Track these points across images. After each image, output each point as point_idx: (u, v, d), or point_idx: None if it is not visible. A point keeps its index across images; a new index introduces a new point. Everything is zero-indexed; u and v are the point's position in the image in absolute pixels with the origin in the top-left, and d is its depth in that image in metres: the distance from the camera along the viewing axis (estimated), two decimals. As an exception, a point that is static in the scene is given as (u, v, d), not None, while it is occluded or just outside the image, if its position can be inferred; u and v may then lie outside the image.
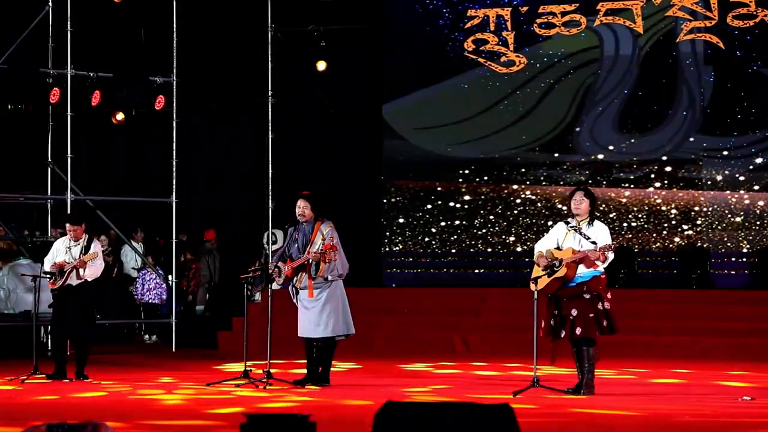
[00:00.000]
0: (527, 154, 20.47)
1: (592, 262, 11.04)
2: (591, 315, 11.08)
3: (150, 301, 19.28)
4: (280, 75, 19.22)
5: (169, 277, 18.76)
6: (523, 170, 20.49)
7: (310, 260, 11.96)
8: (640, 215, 19.81)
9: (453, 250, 20.79)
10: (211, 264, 20.53)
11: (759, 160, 19.32)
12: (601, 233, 11.15)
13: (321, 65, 19.78)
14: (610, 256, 11.05)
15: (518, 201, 20.48)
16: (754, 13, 19.21)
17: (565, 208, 11.73)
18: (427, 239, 20.91)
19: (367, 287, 18.41)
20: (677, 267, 19.18)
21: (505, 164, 20.58)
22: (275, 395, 11.42)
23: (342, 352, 13.02)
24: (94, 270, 12.87)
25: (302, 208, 12.16)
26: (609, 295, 11.21)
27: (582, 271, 11.10)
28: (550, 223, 19.12)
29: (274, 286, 12.36)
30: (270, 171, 18.88)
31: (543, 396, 11.04)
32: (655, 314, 16.85)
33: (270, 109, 19.01)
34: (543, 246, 11.34)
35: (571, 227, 11.25)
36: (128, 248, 19.64)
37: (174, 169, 18.43)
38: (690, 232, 19.56)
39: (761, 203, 19.27)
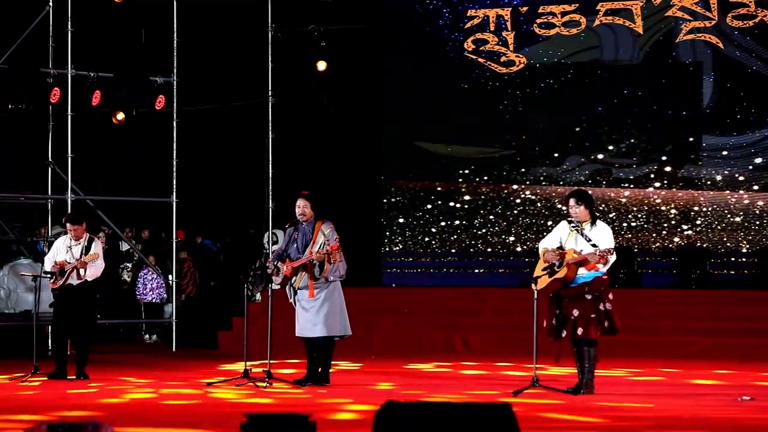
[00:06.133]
0: (527, 154, 20.47)
1: (593, 265, 11.04)
2: (592, 315, 11.09)
3: (152, 300, 19.30)
4: (280, 75, 19.23)
5: (170, 276, 18.77)
6: (523, 170, 20.49)
7: (314, 261, 11.95)
8: (639, 215, 19.81)
9: (453, 250, 20.80)
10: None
11: (758, 160, 19.33)
12: (602, 235, 11.13)
13: (321, 65, 19.78)
14: (611, 258, 11.04)
15: (518, 201, 20.49)
16: (754, 13, 19.22)
17: (565, 208, 11.71)
18: (427, 239, 20.92)
19: (367, 287, 18.42)
20: (677, 267, 19.19)
21: (505, 164, 20.58)
22: (275, 395, 11.43)
23: (342, 352, 13.03)
24: (94, 270, 12.88)
25: (302, 207, 12.15)
26: (610, 296, 11.21)
27: (583, 272, 11.11)
28: (550, 223, 19.14)
29: (273, 285, 12.36)
30: (270, 171, 18.89)
31: (543, 396, 11.05)
32: (655, 314, 16.85)
33: (270, 109, 19.02)
34: (547, 245, 11.35)
35: (573, 227, 11.25)
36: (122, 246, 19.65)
37: (174, 169, 18.45)
38: (689, 232, 19.57)
39: (761, 203, 19.28)
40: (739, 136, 19.41)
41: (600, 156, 20.16)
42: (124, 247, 19.86)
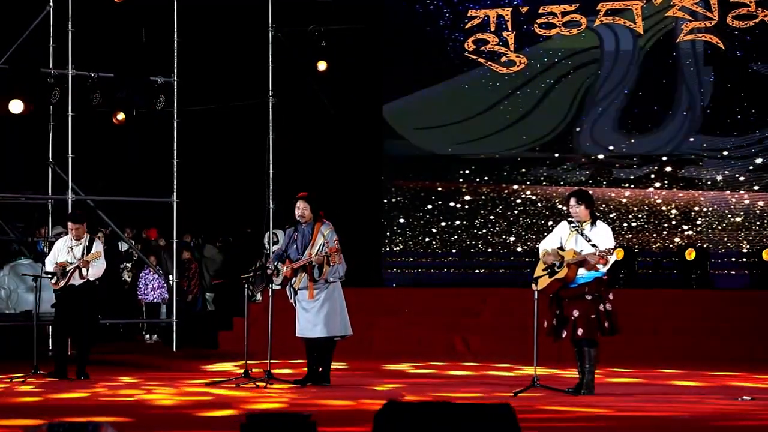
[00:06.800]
0: (527, 154, 20.47)
1: (592, 265, 11.03)
2: (593, 316, 11.09)
3: (154, 300, 19.29)
4: (280, 75, 19.23)
5: (170, 276, 18.77)
6: (523, 170, 20.49)
7: (314, 263, 11.94)
8: (640, 215, 19.81)
9: (453, 250, 20.80)
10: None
11: (759, 160, 19.33)
12: (602, 236, 11.13)
13: (321, 65, 19.78)
14: (611, 259, 11.04)
15: (518, 201, 20.48)
16: (754, 13, 19.21)
17: (565, 208, 11.72)
18: (427, 239, 20.92)
19: (367, 287, 18.42)
20: (677, 267, 19.19)
21: (505, 164, 20.58)
22: (275, 395, 11.43)
23: (342, 352, 13.02)
24: (97, 269, 12.88)
25: (302, 209, 12.16)
26: (611, 296, 11.21)
27: (583, 272, 11.10)
28: (550, 223, 19.14)
29: (274, 286, 12.37)
30: (270, 171, 18.89)
31: (543, 396, 11.05)
32: (655, 314, 16.85)
33: (270, 109, 19.02)
34: (547, 245, 11.35)
35: (573, 227, 11.25)
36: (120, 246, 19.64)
37: (174, 169, 18.44)
38: (690, 232, 19.56)
39: (761, 203, 19.28)
40: (739, 136, 19.40)
41: (600, 156, 20.16)
42: (124, 246, 19.85)
